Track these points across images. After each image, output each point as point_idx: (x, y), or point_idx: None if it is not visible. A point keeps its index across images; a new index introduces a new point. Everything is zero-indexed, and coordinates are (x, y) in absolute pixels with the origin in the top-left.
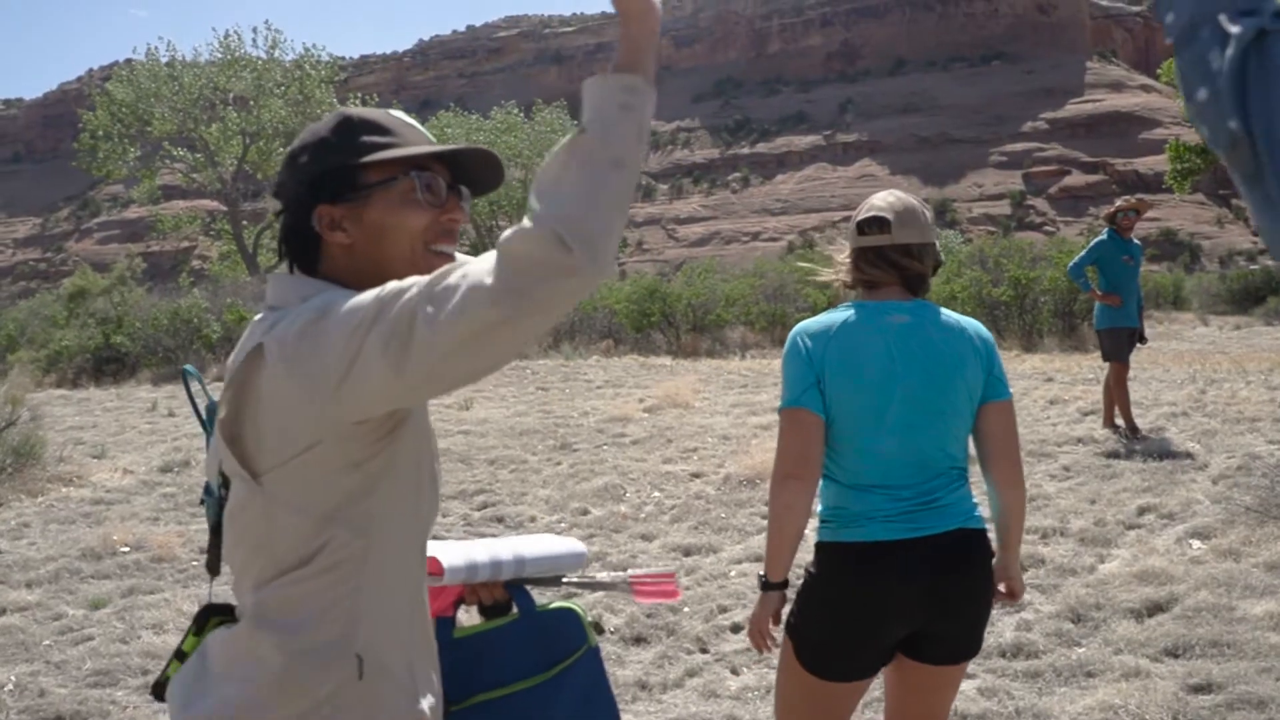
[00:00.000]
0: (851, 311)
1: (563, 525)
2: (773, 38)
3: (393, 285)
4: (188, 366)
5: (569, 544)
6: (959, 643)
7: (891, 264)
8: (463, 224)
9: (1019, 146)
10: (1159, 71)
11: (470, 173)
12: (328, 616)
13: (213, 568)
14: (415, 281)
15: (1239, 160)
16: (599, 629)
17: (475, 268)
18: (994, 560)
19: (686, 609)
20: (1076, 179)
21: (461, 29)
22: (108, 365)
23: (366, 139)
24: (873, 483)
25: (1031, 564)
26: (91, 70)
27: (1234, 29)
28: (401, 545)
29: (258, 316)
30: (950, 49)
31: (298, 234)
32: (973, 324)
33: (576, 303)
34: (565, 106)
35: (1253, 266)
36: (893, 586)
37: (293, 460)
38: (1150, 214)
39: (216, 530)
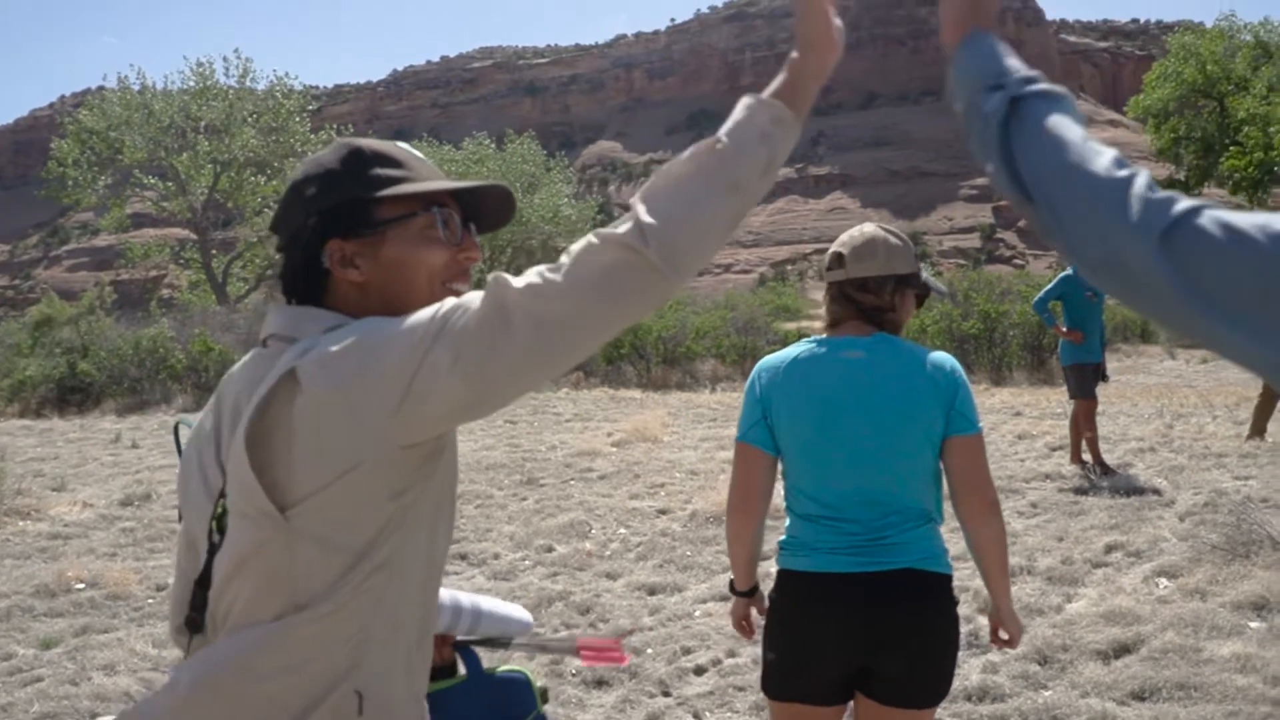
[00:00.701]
0: (807, 347)
1: (527, 563)
2: (745, 70)
3: (451, 300)
4: (183, 418)
5: (517, 610)
6: (909, 685)
7: (848, 298)
8: (476, 262)
9: (988, 180)
10: (1126, 107)
11: (482, 210)
12: (337, 652)
13: (197, 624)
14: (475, 294)
15: (1034, 220)
16: (545, 698)
17: (539, 270)
18: (958, 604)
19: (650, 650)
20: None
21: (436, 60)
22: (72, 395)
23: (379, 172)
24: (820, 515)
25: None
26: (63, 97)
27: (988, 107)
28: (417, 583)
29: (263, 349)
30: (921, 83)
31: (304, 269)
32: (937, 357)
33: (651, 306)
34: (535, 137)
35: None
36: (830, 617)
37: (328, 487)
38: None
39: (204, 583)
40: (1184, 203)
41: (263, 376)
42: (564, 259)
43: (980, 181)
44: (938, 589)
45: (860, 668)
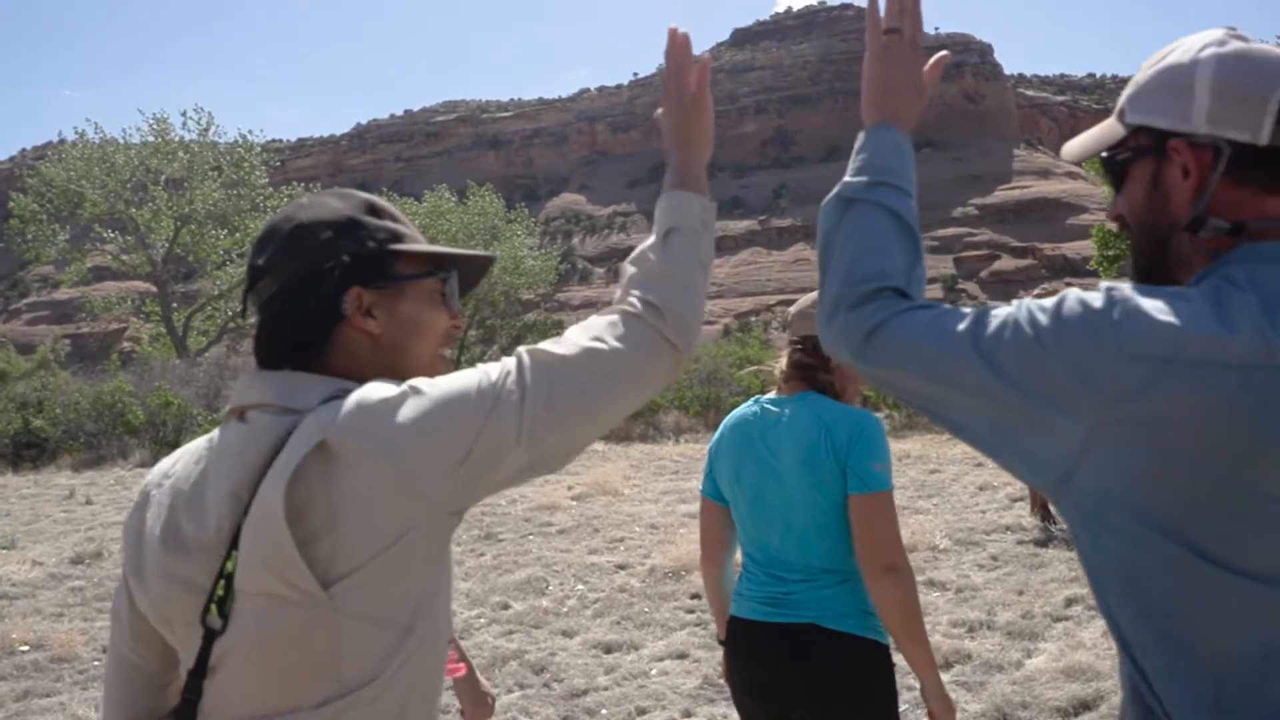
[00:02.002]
0: (749, 405)
1: (482, 620)
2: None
3: (495, 366)
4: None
5: None
6: None
7: (790, 358)
8: (459, 331)
9: (950, 231)
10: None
11: (462, 279)
12: None
13: (189, 715)
14: (518, 363)
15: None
16: None
17: (586, 349)
18: (879, 665)
19: (604, 711)
20: (1007, 263)
21: (399, 113)
22: (27, 451)
23: (394, 227)
24: (751, 564)
25: (958, 659)
26: (24, 150)
27: (842, 190)
28: (441, 648)
29: (240, 423)
30: None
31: (316, 316)
32: (845, 416)
33: (668, 377)
34: (496, 189)
35: None
36: (747, 662)
37: (375, 559)
38: None
39: (201, 672)
40: (891, 309)
41: (254, 450)
42: (579, 334)
43: (942, 233)
44: (842, 649)
45: (784, 718)
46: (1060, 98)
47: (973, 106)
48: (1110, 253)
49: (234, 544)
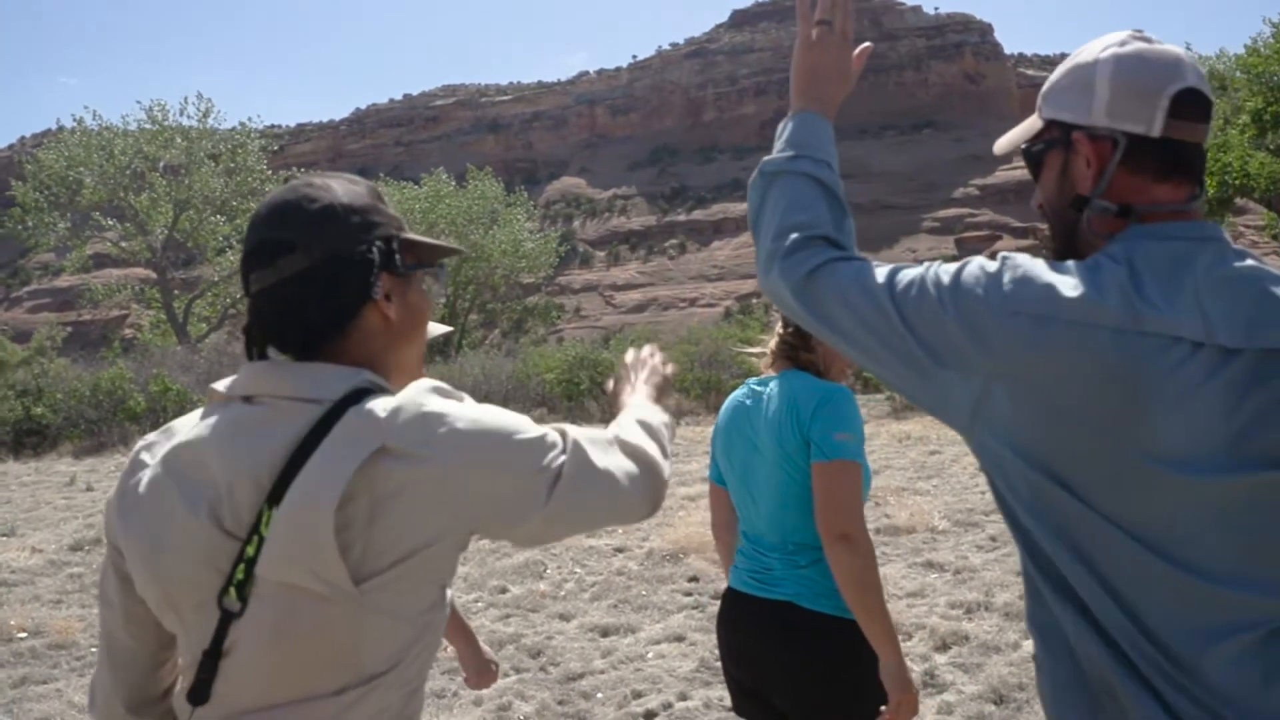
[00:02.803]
0: (741, 389)
1: (480, 604)
2: (708, 106)
3: (543, 430)
4: None
5: None
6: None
7: (778, 338)
8: None
9: (951, 212)
10: None
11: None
12: (397, 709)
13: (203, 696)
14: (565, 448)
15: None
16: None
17: (614, 477)
18: (852, 645)
19: (600, 695)
20: (1008, 243)
21: (399, 98)
22: (27, 438)
23: (398, 216)
24: (744, 538)
25: (955, 641)
26: (23, 138)
27: (766, 164)
28: (442, 629)
29: (248, 406)
30: (882, 117)
31: (347, 297)
32: (812, 389)
33: (639, 518)
34: (495, 173)
35: None
36: (731, 631)
37: (406, 561)
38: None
39: (216, 653)
40: (821, 257)
41: (280, 438)
42: (618, 454)
43: (943, 213)
44: (818, 628)
45: (759, 692)
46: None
47: (973, 86)
48: None
49: (254, 528)
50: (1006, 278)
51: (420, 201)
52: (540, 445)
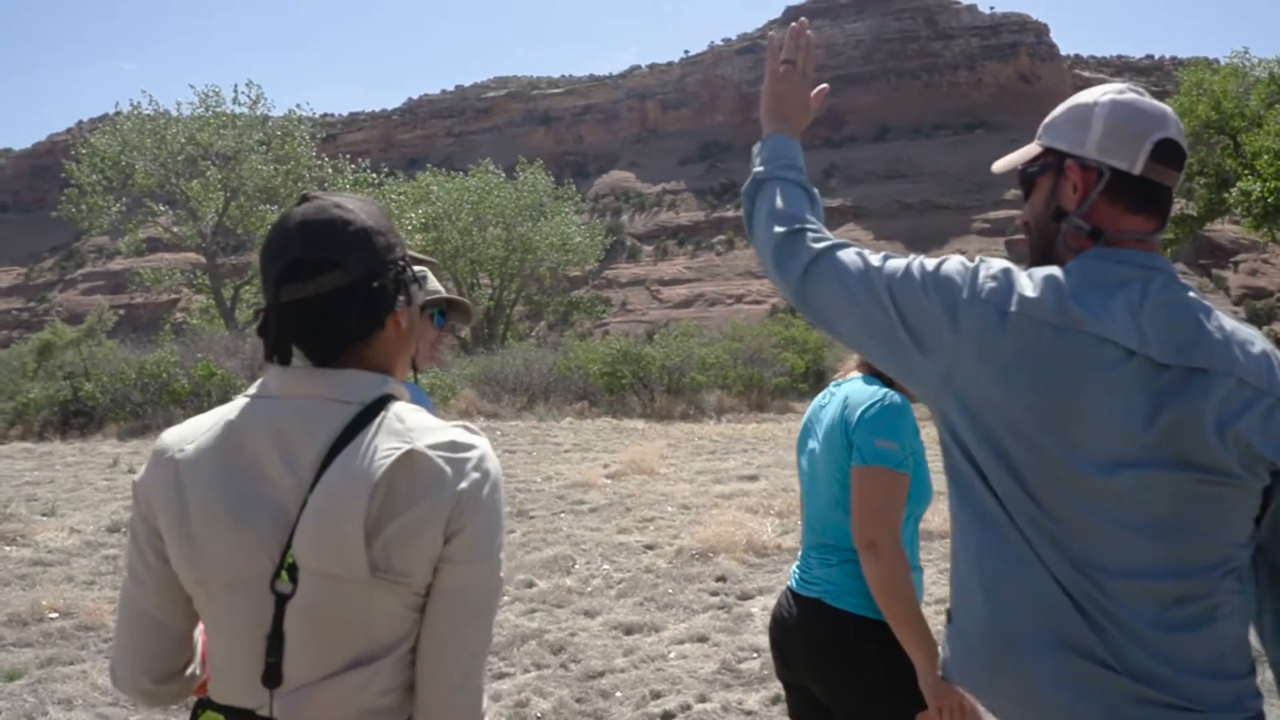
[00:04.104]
0: (824, 391)
1: (505, 599)
2: (758, 102)
3: (500, 562)
4: None
5: None
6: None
7: None
8: None
9: (1001, 214)
10: None
11: None
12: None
13: (276, 678)
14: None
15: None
16: None
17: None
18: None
19: (619, 694)
20: None
21: (450, 89)
22: (75, 419)
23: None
24: (804, 533)
25: None
26: (80, 122)
27: (750, 182)
28: None
29: (310, 400)
30: (934, 117)
31: (380, 309)
32: (866, 394)
33: None
34: (544, 166)
35: None
36: (772, 625)
37: (406, 555)
38: (1195, 293)
39: (279, 635)
40: (820, 245)
41: (324, 433)
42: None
43: (993, 215)
44: (842, 626)
45: (805, 689)
46: (1117, 79)
47: (1028, 87)
48: (1163, 235)
49: (299, 516)
50: (980, 273)
51: (470, 193)
52: (500, 556)
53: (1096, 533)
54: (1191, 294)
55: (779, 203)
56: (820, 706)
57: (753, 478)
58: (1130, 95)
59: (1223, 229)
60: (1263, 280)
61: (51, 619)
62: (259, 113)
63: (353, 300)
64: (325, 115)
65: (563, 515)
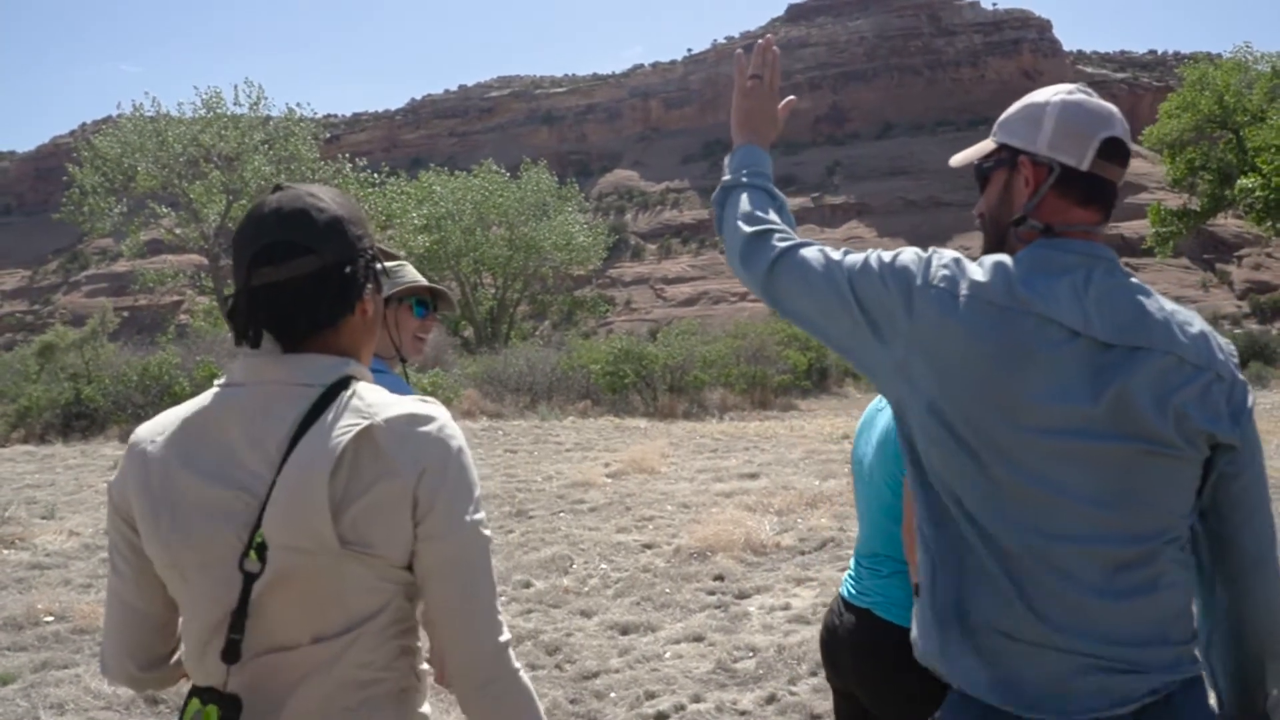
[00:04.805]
0: None
1: (501, 599)
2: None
3: (480, 522)
4: None
5: None
6: None
7: None
8: None
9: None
10: (1140, 137)
11: None
12: (396, 667)
13: (235, 654)
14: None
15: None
16: None
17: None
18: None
19: (613, 694)
20: None
21: (454, 88)
22: (77, 421)
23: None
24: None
25: None
26: (84, 124)
27: (720, 189)
28: None
29: (277, 385)
30: (937, 114)
31: (351, 293)
32: None
33: None
34: (548, 165)
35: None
36: (823, 632)
37: (375, 528)
38: (1137, 278)
39: (244, 611)
40: (784, 243)
41: (291, 415)
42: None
43: None
44: (891, 638)
45: (854, 696)
46: (1120, 75)
47: (1031, 83)
48: (1166, 229)
49: (268, 497)
50: (934, 262)
51: (474, 192)
52: (476, 525)
53: (1044, 502)
54: (1133, 279)
55: (747, 207)
56: (867, 714)
57: (753, 476)
58: (1080, 95)
59: (1226, 223)
60: (1267, 274)
61: (47, 623)
62: (260, 113)
63: (325, 285)
64: (329, 116)
65: (562, 515)
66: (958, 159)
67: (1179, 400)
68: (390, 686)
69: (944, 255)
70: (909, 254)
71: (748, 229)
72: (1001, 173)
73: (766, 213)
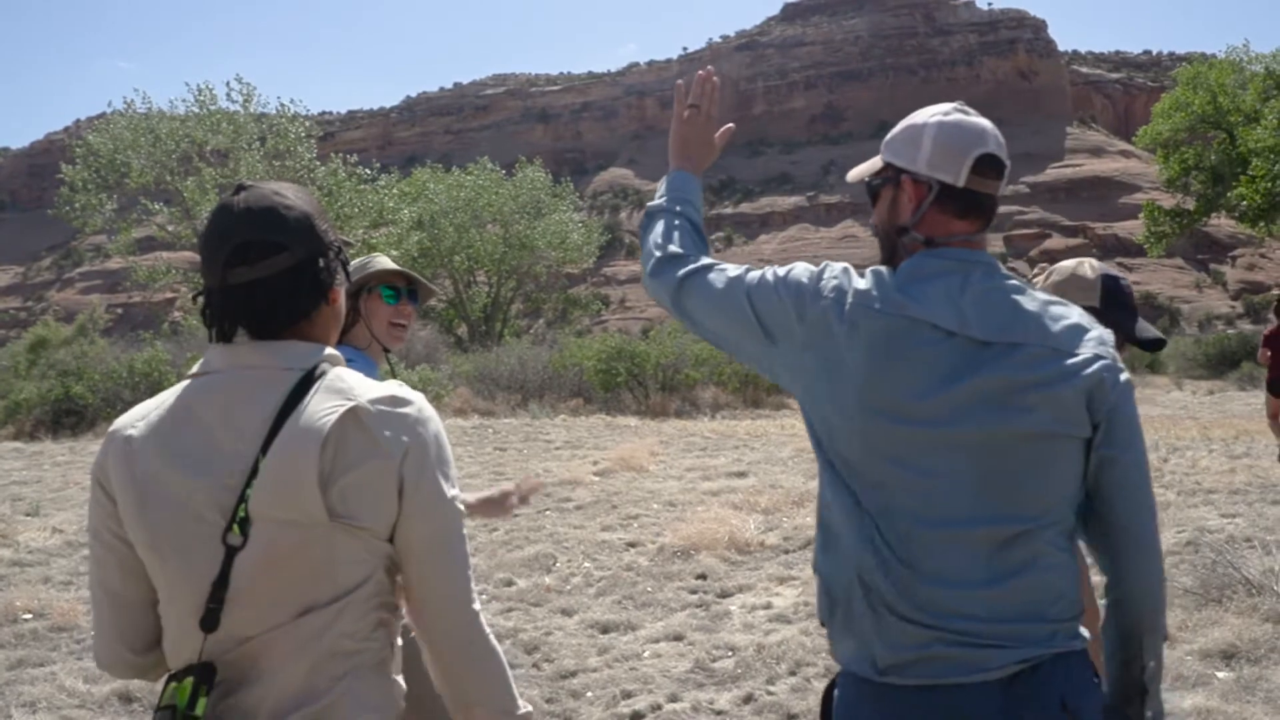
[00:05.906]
0: None
1: (483, 598)
2: (757, 99)
3: (455, 499)
4: None
5: None
6: None
7: None
8: None
9: (1001, 210)
10: (1134, 138)
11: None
12: (376, 637)
13: (213, 623)
14: (448, 525)
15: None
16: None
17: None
18: None
19: (590, 694)
20: (1057, 242)
21: (449, 86)
22: (66, 418)
23: None
24: None
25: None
26: (77, 121)
27: (646, 211)
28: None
29: (257, 371)
30: None
31: (322, 286)
32: None
33: None
34: (543, 163)
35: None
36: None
37: (361, 501)
38: (1131, 278)
39: (224, 583)
40: (689, 265)
41: (273, 397)
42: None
43: None
44: None
45: None
46: (1115, 75)
47: (1026, 84)
48: (1159, 229)
49: (251, 475)
50: (825, 274)
51: (468, 190)
52: (449, 495)
53: (926, 489)
54: (1011, 280)
55: (663, 232)
56: None
57: (742, 474)
58: (956, 116)
59: (1220, 224)
60: (1260, 275)
61: (25, 620)
62: (252, 110)
63: (299, 280)
64: (323, 114)
65: (547, 513)
66: (853, 174)
67: (1053, 387)
68: (371, 657)
69: (834, 268)
70: (801, 268)
71: (658, 254)
72: (888, 190)
73: (680, 239)
